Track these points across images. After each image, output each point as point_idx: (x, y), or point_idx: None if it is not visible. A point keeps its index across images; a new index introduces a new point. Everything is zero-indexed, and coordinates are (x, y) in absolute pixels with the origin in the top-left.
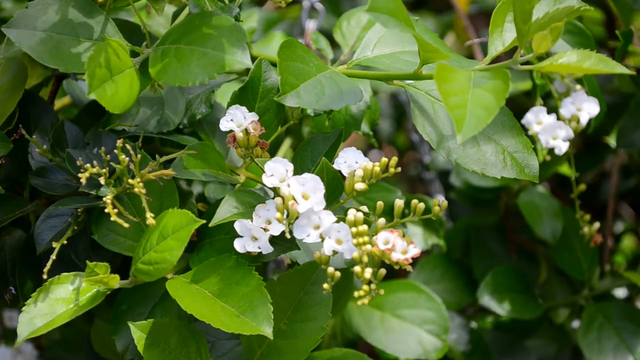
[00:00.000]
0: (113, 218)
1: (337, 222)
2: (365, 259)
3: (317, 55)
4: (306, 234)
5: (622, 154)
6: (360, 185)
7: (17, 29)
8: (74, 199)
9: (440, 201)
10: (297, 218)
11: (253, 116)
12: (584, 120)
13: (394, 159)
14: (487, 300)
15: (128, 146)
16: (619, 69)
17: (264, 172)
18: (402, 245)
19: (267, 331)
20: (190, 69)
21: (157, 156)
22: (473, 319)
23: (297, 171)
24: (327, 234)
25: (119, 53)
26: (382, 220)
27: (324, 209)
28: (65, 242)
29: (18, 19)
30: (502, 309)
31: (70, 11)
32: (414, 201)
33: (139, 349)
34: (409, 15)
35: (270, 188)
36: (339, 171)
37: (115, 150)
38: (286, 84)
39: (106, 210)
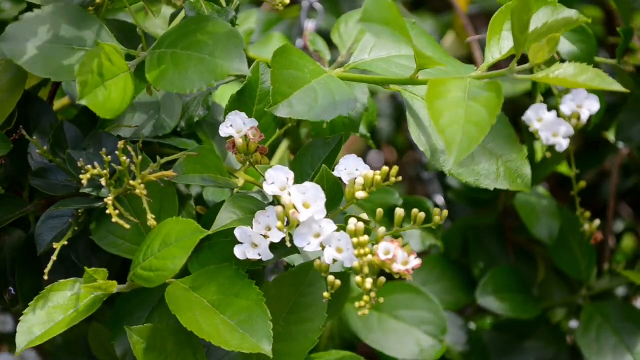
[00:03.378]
0: (114, 219)
1: (338, 230)
2: (366, 270)
3: (315, 57)
4: (307, 242)
5: (622, 153)
6: (360, 194)
7: (10, 43)
8: (75, 200)
9: (440, 210)
10: (297, 226)
11: (252, 122)
12: (584, 117)
13: (395, 168)
14: (485, 300)
15: (129, 147)
16: (615, 86)
17: (264, 179)
18: (403, 256)
19: (267, 349)
20: (188, 75)
21: (157, 158)
22: (471, 319)
23: (297, 177)
24: (327, 243)
25: (113, 57)
26: (382, 229)
27: (325, 217)
28: (65, 243)
29: (10, 33)
30: (500, 309)
31: (63, 21)
32: (415, 210)
33: (135, 354)
34: (406, 17)
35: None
36: (339, 178)
37: (116, 152)
38: (278, 93)
39: (107, 212)
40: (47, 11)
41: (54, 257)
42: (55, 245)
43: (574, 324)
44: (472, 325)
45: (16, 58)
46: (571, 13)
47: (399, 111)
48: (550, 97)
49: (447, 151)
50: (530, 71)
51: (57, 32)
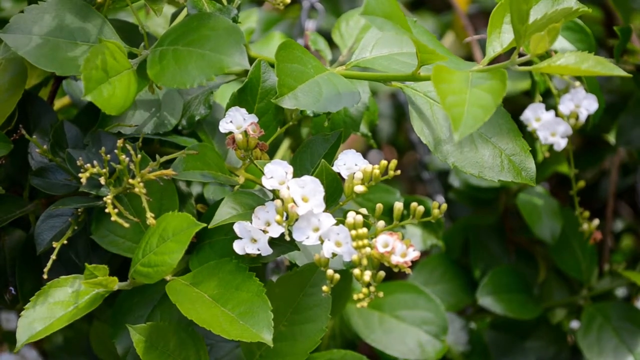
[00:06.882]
0: (113, 218)
1: (337, 224)
2: (365, 261)
3: (316, 56)
4: (305, 236)
5: (621, 152)
6: (359, 188)
7: (13, 34)
8: (74, 199)
9: (439, 203)
10: (296, 220)
11: (252, 118)
12: (582, 117)
13: (394, 162)
14: (486, 300)
15: (128, 146)
16: (616, 71)
17: (263, 174)
18: (402, 248)
19: (267, 338)
20: (188, 70)
21: (157, 156)
22: (472, 319)
23: (297, 173)
24: (326, 237)
25: (116, 55)
26: (381, 223)
27: (324, 211)
28: (65, 242)
29: (14, 24)
30: (501, 309)
31: (67, 15)
32: (414, 204)
33: (138, 352)
34: (407, 16)
35: (269, 190)
36: (339, 173)
37: (115, 151)
38: (283, 85)
39: (106, 210)
40: (51, 3)
41: (53, 256)
42: (54, 244)
43: (574, 324)
44: (473, 325)
45: (19, 49)
46: (571, 3)
47: (400, 111)
48: (549, 97)
49: (452, 127)
50: (532, 62)
51: (61, 23)
